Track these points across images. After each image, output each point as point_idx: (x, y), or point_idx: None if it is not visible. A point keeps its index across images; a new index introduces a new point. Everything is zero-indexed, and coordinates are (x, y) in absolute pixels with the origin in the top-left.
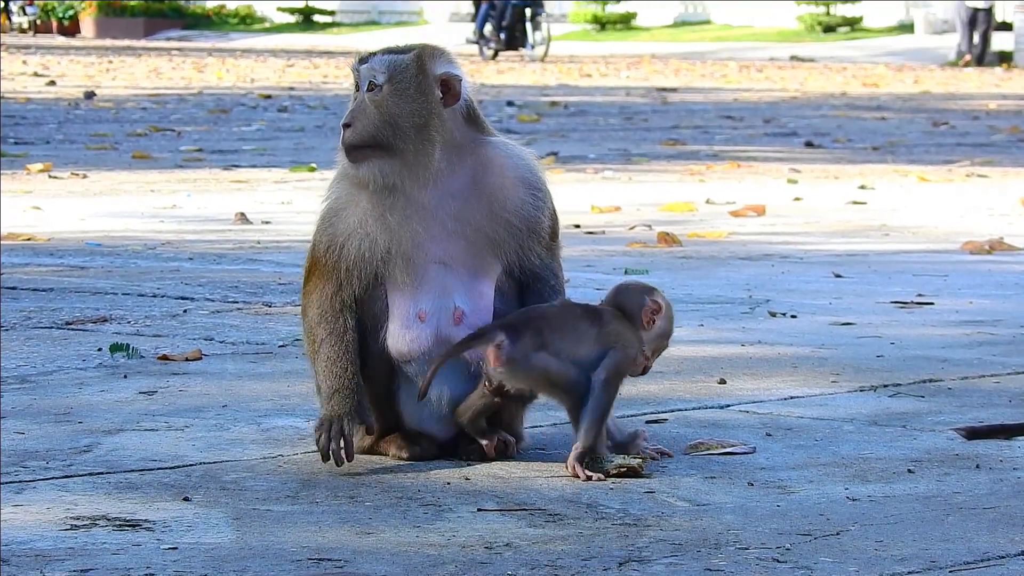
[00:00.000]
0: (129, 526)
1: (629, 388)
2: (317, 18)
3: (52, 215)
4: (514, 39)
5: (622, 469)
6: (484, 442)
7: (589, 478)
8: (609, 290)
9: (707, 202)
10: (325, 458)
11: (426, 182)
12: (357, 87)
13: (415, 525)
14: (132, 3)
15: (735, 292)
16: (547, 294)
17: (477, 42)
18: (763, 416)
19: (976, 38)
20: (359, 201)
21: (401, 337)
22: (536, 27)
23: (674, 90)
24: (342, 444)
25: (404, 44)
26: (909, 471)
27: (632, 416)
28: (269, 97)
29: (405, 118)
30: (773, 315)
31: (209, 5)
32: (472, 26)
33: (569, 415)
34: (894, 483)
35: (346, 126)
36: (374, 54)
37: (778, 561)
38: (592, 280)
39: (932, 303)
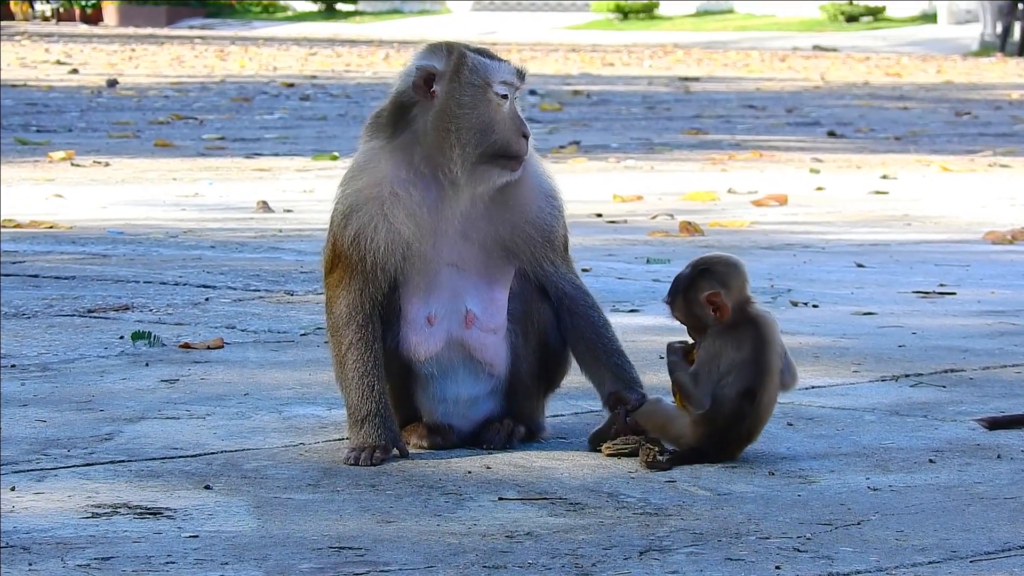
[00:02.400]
0: (150, 514)
1: (651, 378)
2: (340, 6)
3: (74, 203)
4: None
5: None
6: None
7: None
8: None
9: (729, 191)
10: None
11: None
12: (506, 98)
13: (436, 514)
14: None
15: (757, 281)
16: (588, 312)
17: None
18: (784, 406)
19: (999, 28)
20: (387, 194)
21: (411, 340)
22: None
23: (696, 79)
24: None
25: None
26: (930, 461)
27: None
28: (292, 86)
29: None
30: (795, 305)
31: None
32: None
33: None
34: (915, 473)
35: (527, 137)
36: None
37: (799, 551)
38: (613, 269)
39: (954, 293)
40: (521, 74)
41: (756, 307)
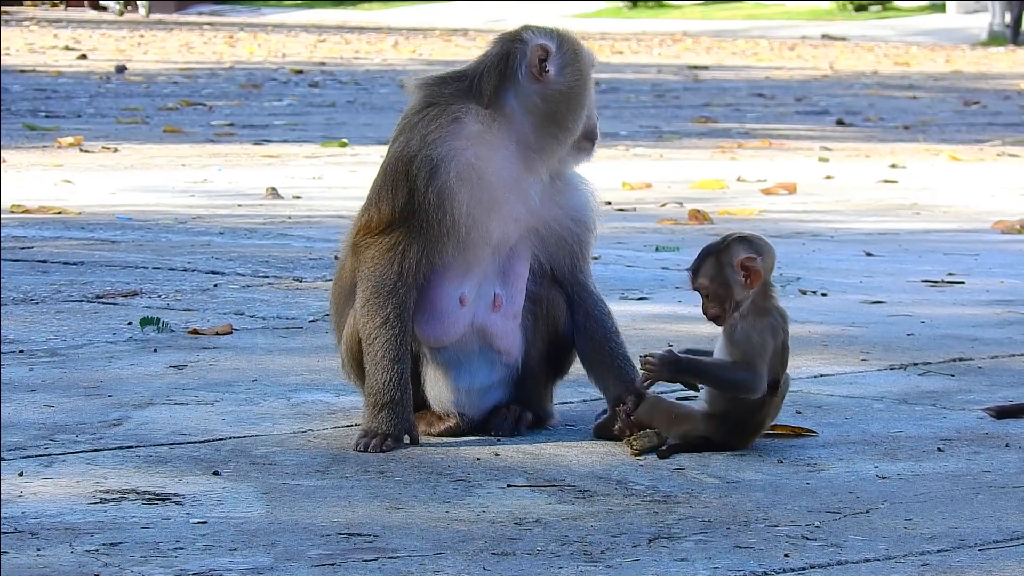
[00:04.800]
0: (159, 500)
1: None
2: None
3: (83, 189)
4: None
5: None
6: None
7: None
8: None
9: (738, 180)
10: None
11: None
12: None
13: (445, 501)
14: None
15: None
16: (603, 318)
17: None
18: (793, 394)
19: (1008, 17)
20: (480, 156)
21: (437, 322)
22: None
23: (706, 68)
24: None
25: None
26: (939, 449)
27: (663, 393)
28: (300, 72)
29: None
30: (804, 293)
31: None
32: None
33: None
34: (924, 461)
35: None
36: None
37: (807, 539)
38: (622, 257)
39: (963, 282)
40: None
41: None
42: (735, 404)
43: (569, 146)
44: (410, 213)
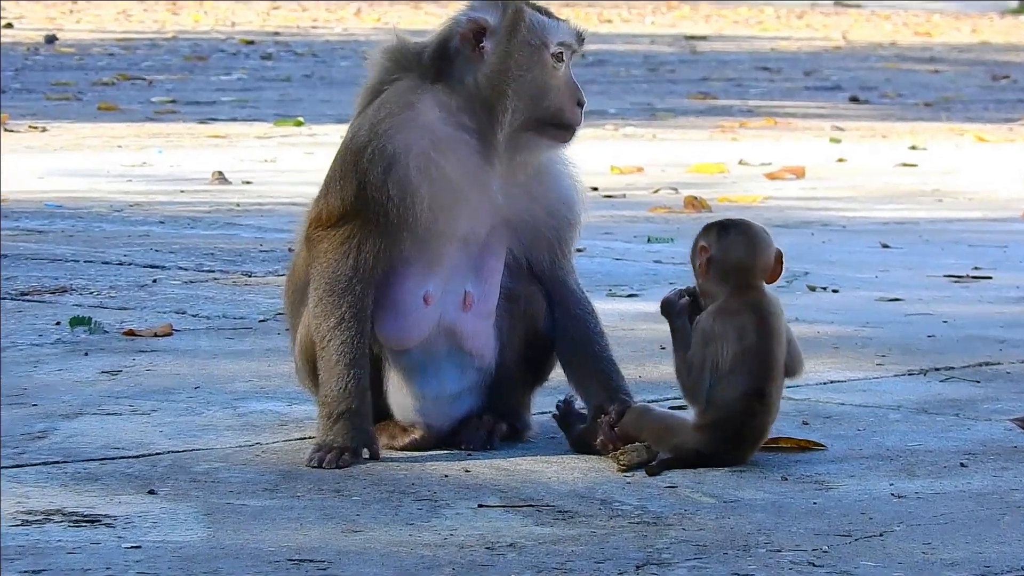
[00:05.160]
0: (87, 522)
1: (651, 371)
2: None
3: (7, 173)
4: None
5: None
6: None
7: None
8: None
9: (740, 163)
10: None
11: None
12: (562, 60)
13: (408, 523)
14: None
15: None
16: (587, 318)
17: None
18: (799, 403)
19: None
20: (438, 143)
21: (400, 323)
22: None
23: (704, 38)
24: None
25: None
26: (962, 465)
27: (656, 400)
28: (251, 43)
29: None
30: (812, 289)
31: None
32: None
33: None
34: (945, 478)
35: (582, 106)
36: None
37: (814, 565)
38: (610, 249)
39: (990, 277)
40: (581, 36)
41: (763, 291)
42: (724, 412)
43: (523, 130)
44: (363, 205)
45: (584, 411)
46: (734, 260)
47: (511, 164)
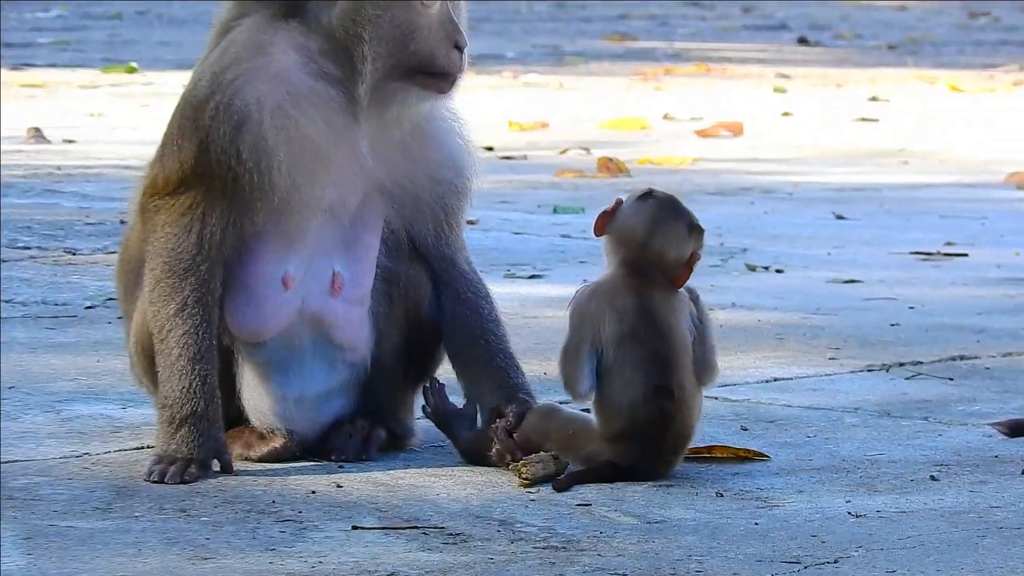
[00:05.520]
0: None
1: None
2: None
3: None
4: None
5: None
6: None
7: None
8: None
9: (665, 117)
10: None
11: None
12: None
13: (268, 548)
14: None
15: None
16: (479, 303)
17: None
18: (737, 404)
19: None
20: (297, 95)
21: (254, 309)
22: None
23: None
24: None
25: None
26: (932, 478)
27: (565, 402)
28: None
29: None
30: (752, 269)
31: None
32: None
33: None
34: (911, 494)
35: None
36: None
37: None
38: (508, 221)
39: (966, 254)
40: None
41: (659, 285)
42: (632, 418)
43: (389, 78)
44: (207, 170)
45: (465, 407)
46: (629, 232)
47: (382, 120)
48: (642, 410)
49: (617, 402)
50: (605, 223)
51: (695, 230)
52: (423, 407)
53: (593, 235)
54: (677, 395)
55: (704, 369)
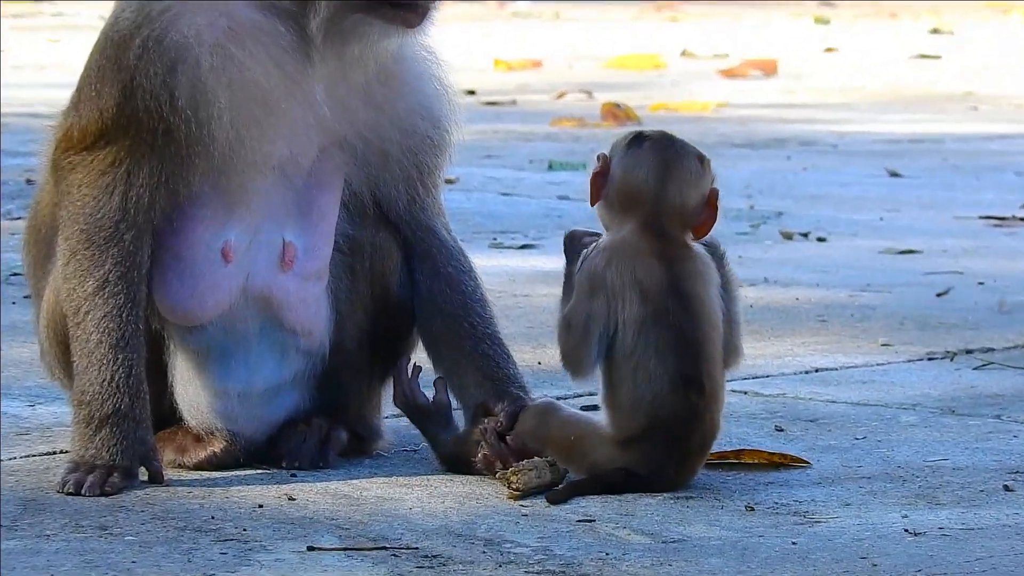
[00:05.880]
0: None
1: (556, 354)
2: None
3: None
4: None
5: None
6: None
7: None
8: None
9: (683, 54)
10: None
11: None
12: None
13: (206, 573)
14: None
15: (728, 200)
16: (462, 278)
17: None
18: (770, 400)
19: None
20: (238, 35)
21: (189, 287)
22: None
23: None
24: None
25: None
26: (1006, 488)
27: (576, 397)
28: None
29: None
30: (788, 237)
31: None
32: None
33: None
34: (981, 508)
35: None
36: None
37: None
38: (495, 180)
39: None
40: None
41: (681, 243)
42: (657, 415)
43: (352, 14)
44: (132, 120)
45: (435, 399)
46: (635, 187)
47: (341, 61)
48: (667, 406)
49: (636, 397)
50: (600, 186)
51: (704, 160)
52: (393, 398)
53: (589, 205)
54: (708, 387)
55: (729, 351)
